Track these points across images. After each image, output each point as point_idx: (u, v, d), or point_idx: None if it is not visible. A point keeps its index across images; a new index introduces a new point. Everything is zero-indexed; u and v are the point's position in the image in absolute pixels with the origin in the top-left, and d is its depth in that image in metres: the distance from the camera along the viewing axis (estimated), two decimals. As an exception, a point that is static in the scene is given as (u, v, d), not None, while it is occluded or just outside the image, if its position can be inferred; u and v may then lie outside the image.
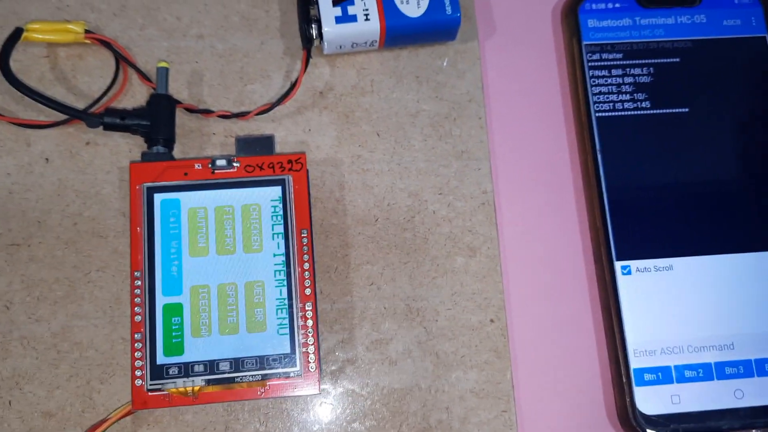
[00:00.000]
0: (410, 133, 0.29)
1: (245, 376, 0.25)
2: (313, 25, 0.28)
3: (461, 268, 0.28)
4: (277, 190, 0.26)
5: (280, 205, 0.26)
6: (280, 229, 0.26)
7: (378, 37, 0.28)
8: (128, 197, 0.27)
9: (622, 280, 0.27)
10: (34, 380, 0.26)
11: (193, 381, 0.24)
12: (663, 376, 0.26)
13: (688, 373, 0.26)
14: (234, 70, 0.29)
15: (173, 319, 0.25)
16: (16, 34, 0.28)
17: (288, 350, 0.25)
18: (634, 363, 0.26)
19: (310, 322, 0.25)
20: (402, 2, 0.28)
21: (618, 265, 0.27)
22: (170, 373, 0.25)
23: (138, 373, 0.25)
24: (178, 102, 0.28)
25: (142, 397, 0.24)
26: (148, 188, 0.26)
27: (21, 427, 0.25)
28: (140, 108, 0.28)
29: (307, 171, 0.27)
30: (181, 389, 0.24)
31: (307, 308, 0.25)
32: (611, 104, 0.29)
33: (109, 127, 0.27)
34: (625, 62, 0.29)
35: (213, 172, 0.26)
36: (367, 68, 0.30)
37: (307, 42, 0.28)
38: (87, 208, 0.27)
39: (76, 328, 0.26)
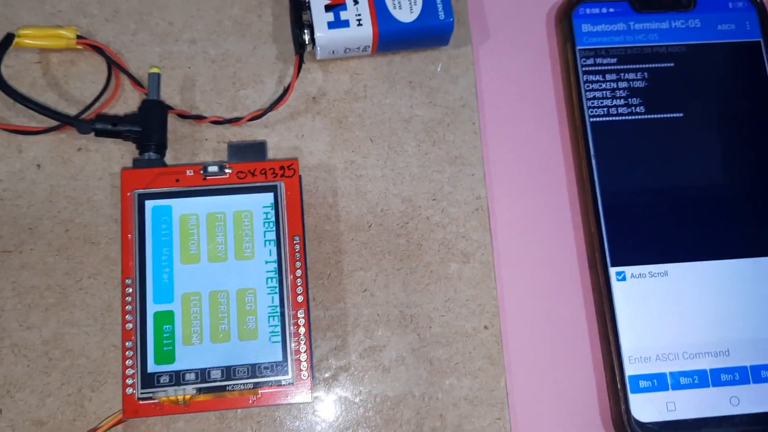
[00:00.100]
0: (404, 139, 0.29)
1: (237, 384, 0.25)
2: (305, 31, 0.28)
3: (455, 274, 0.28)
4: (269, 197, 0.26)
5: (273, 212, 0.26)
6: (272, 235, 0.26)
7: (371, 43, 0.28)
8: (120, 204, 0.27)
9: (616, 286, 0.27)
10: (26, 388, 0.26)
11: (184, 389, 0.24)
12: (658, 382, 0.26)
13: (683, 380, 0.26)
14: (226, 76, 0.29)
15: (164, 326, 0.25)
16: (8, 40, 0.28)
17: (280, 358, 0.25)
18: (629, 370, 0.26)
19: (302, 330, 0.25)
20: (395, 7, 0.28)
21: (613, 271, 0.27)
22: (161, 381, 0.24)
23: (129, 381, 0.24)
24: (170, 108, 0.28)
25: (133, 405, 0.24)
26: (140, 195, 0.26)
27: (12, 435, 0.25)
28: (132, 114, 0.28)
29: (300, 177, 0.27)
30: (173, 398, 0.24)
31: (299, 315, 0.25)
32: (605, 109, 0.29)
33: (100, 133, 0.27)
34: (619, 67, 0.29)
35: (205, 179, 0.26)
36: (360, 73, 0.29)
37: (300, 47, 0.28)
38: (79, 215, 0.27)
39: (68, 336, 0.26)
